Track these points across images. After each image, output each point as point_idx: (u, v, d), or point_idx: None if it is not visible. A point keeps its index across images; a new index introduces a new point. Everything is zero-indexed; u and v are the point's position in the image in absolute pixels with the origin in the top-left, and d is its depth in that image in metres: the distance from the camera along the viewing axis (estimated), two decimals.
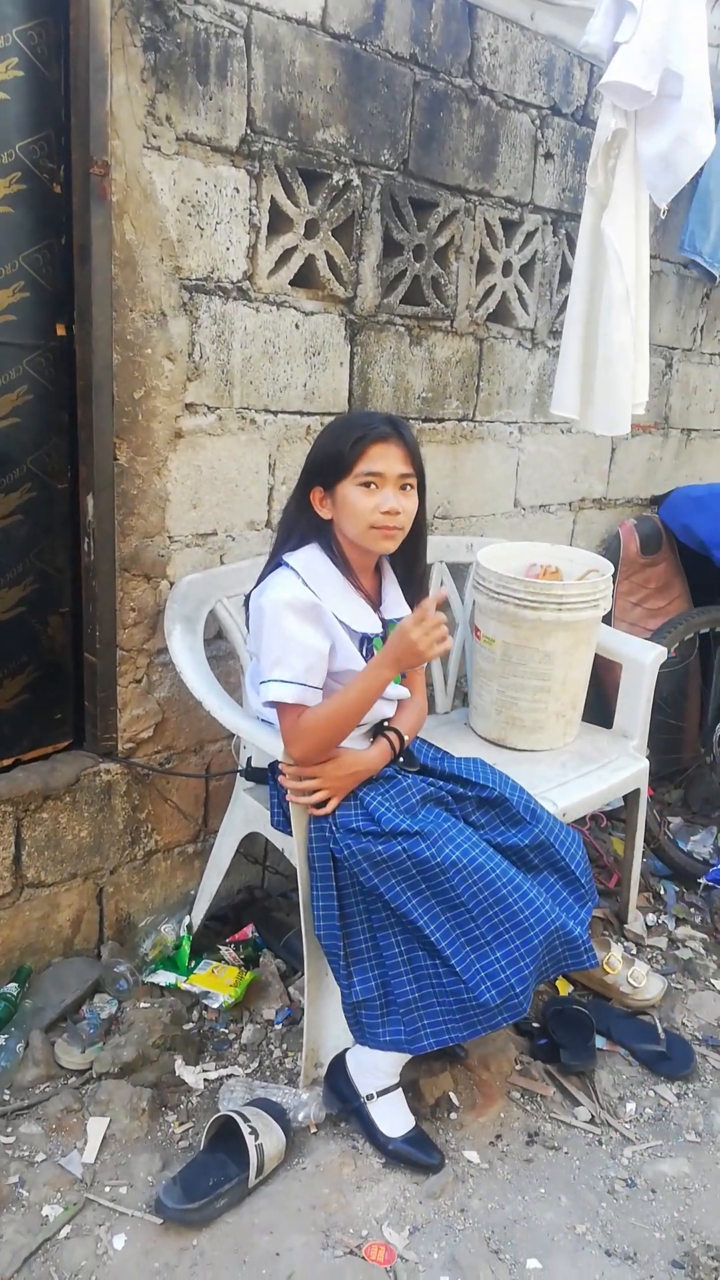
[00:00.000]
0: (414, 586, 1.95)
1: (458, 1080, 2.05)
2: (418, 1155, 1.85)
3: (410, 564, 1.94)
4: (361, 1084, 1.89)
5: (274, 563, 1.84)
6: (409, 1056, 1.86)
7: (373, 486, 1.75)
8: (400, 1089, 1.90)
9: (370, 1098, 1.88)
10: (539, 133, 2.73)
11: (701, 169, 3.10)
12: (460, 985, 1.74)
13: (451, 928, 1.76)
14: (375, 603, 1.91)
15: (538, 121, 2.72)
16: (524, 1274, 1.67)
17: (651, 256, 3.21)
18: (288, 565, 1.80)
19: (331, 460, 1.76)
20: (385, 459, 1.75)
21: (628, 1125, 2.03)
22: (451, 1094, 2.02)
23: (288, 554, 1.82)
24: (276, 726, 1.83)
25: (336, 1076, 1.93)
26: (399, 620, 1.87)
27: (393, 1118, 1.88)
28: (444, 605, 2.68)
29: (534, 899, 1.79)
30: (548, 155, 2.77)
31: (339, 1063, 1.93)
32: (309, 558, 1.81)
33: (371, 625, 1.85)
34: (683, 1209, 1.83)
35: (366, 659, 1.83)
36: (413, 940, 1.80)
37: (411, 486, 1.80)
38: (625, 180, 2.27)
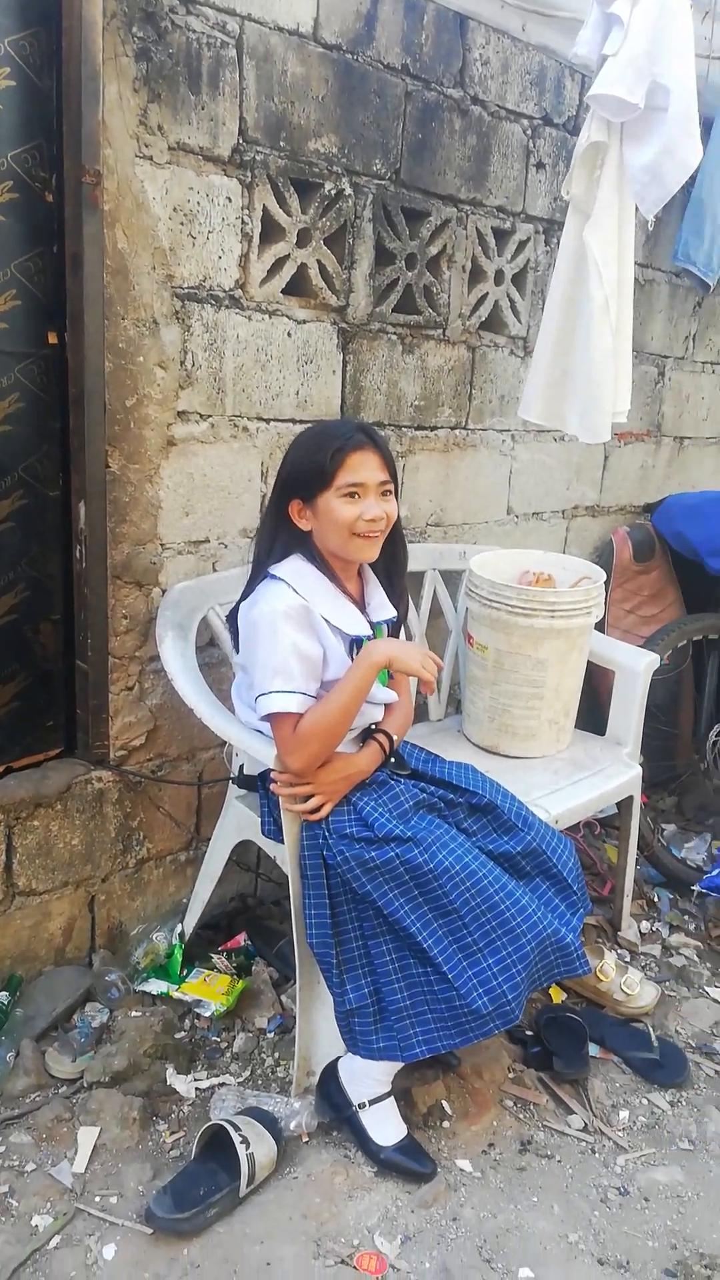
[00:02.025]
0: (396, 591, 1.96)
1: (450, 1088, 2.04)
2: (410, 1164, 1.84)
3: (391, 567, 1.95)
4: (354, 1092, 1.88)
5: (259, 575, 1.85)
6: (401, 1064, 1.85)
7: (355, 496, 1.76)
8: (392, 1097, 1.89)
9: (362, 1106, 1.87)
10: (531, 143, 2.74)
11: (695, 179, 3.12)
12: (452, 992, 1.74)
13: (444, 934, 1.76)
14: (361, 606, 1.92)
15: (529, 131, 2.73)
16: None
17: (644, 265, 3.24)
18: (275, 576, 1.80)
19: (310, 473, 1.77)
20: (365, 468, 1.76)
21: (621, 1133, 2.03)
22: (444, 1102, 2.01)
23: (273, 566, 1.82)
24: (268, 734, 1.83)
25: (329, 1085, 1.92)
26: (387, 621, 1.89)
27: (385, 1126, 1.87)
28: (436, 615, 2.71)
29: (526, 905, 1.79)
30: (539, 165, 2.79)
31: (331, 1071, 1.93)
32: (296, 567, 1.82)
33: (361, 628, 1.86)
34: (676, 1217, 1.83)
35: None
36: (405, 947, 1.79)
37: (390, 491, 1.81)
38: (610, 191, 2.28)
